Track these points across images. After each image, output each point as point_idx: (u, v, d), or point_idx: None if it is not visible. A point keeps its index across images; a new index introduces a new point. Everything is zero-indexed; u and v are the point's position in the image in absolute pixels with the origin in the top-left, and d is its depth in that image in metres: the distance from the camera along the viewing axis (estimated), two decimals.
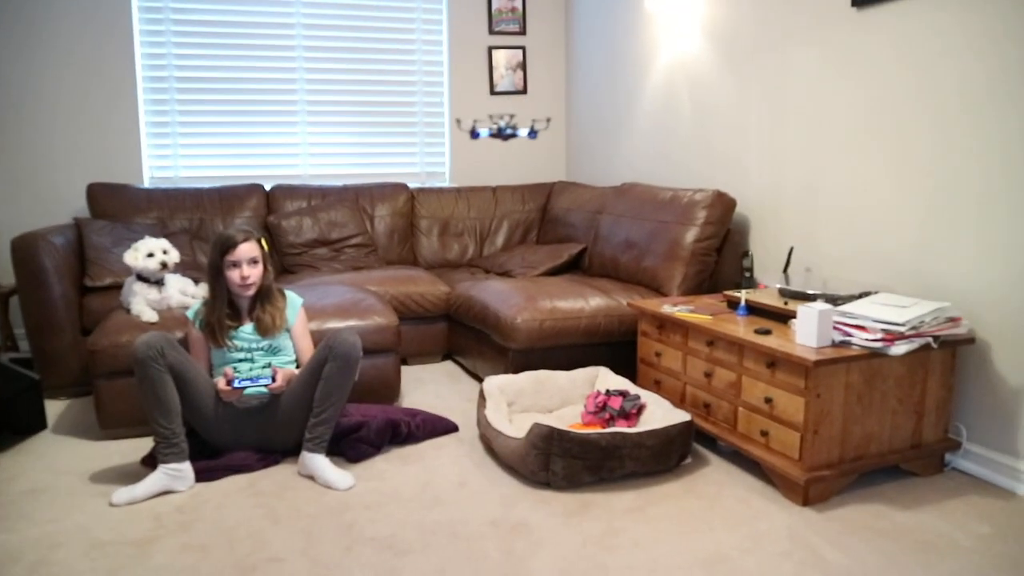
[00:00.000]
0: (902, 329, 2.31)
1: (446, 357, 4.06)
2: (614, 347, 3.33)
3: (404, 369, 3.85)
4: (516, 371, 3.19)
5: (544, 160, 5.24)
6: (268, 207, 4.35)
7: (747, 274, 3.29)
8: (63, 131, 4.23)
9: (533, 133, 3.23)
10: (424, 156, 5.04)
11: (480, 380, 3.63)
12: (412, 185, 4.85)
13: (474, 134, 3.18)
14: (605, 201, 4.17)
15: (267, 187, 4.45)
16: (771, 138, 3.37)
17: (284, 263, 4.24)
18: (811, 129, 3.14)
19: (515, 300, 3.28)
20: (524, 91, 5.18)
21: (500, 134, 3.23)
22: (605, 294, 3.39)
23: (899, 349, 2.31)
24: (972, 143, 2.48)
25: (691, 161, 3.94)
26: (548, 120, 3.31)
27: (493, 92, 5.10)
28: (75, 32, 4.20)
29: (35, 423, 2.88)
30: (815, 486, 2.33)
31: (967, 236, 2.52)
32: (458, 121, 3.23)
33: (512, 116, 3.22)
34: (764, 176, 3.43)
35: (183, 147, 4.49)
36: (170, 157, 4.47)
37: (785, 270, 3.17)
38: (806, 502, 2.33)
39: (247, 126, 4.60)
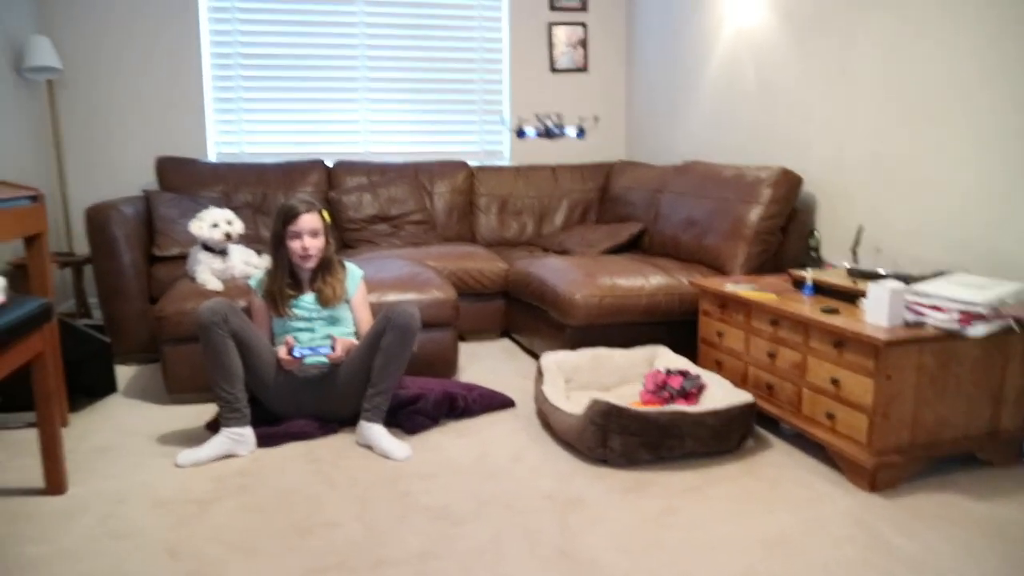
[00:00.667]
0: (981, 310, 2.20)
1: (503, 334, 4.05)
2: (674, 326, 3.27)
3: (461, 345, 3.85)
4: (573, 348, 3.15)
5: (604, 139, 5.16)
6: (329, 182, 4.40)
7: (813, 253, 3.19)
8: (134, 108, 4.35)
9: (581, 132, 3.17)
10: (483, 134, 5.02)
11: (537, 358, 3.60)
12: (471, 163, 4.84)
13: (520, 133, 3.15)
14: (666, 179, 4.09)
15: (329, 163, 4.49)
16: (837, 113, 3.24)
17: (344, 238, 4.28)
18: (881, 98, 3.01)
19: (574, 276, 3.24)
20: (585, 69, 5.11)
21: (548, 134, 3.20)
22: (665, 272, 3.33)
23: (977, 330, 2.20)
24: None
25: (754, 138, 3.83)
26: (596, 118, 3.26)
27: (553, 69, 5.05)
28: (145, 11, 4.29)
29: (106, 386, 2.97)
30: (883, 471, 2.24)
31: None
32: (502, 119, 3.22)
33: (559, 115, 3.18)
34: (830, 151, 3.31)
35: (247, 123, 4.56)
36: (235, 133, 4.55)
37: (854, 249, 3.05)
38: (873, 488, 2.25)
39: (309, 103, 4.65)
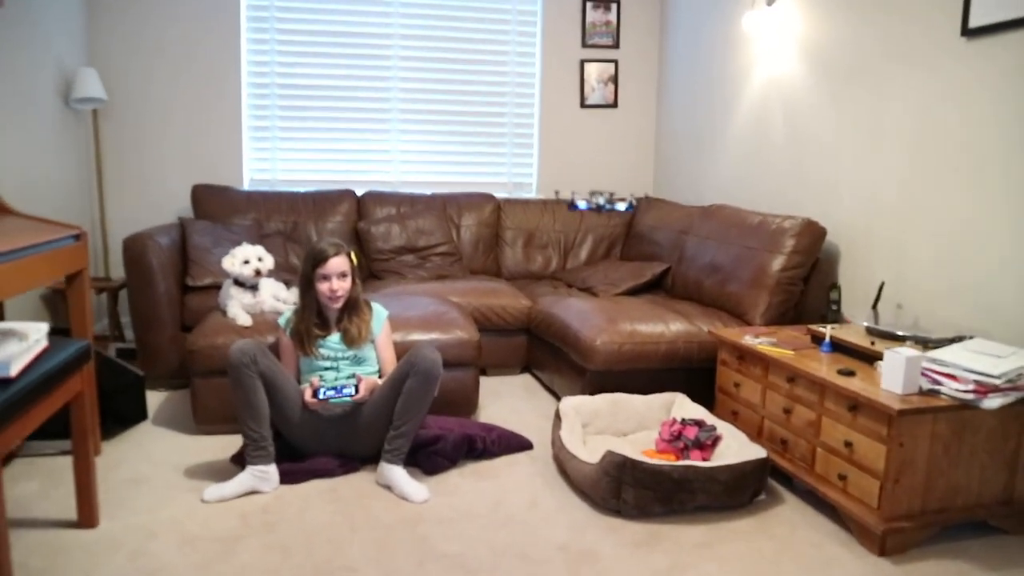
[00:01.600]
0: (997, 382, 2.22)
1: (524, 370, 4.11)
2: (693, 373, 3.31)
3: (482, 380, 3.91)
4: (593, 392, 3.21)
5: (632, 175, 5.23)
6: (359, 212, 4.50)
7: (834, 307, 3.22)
8: (173, 136, 4.48)
9: (631, 207, 3.33)
10: (512, 166, 5.10)
11: (557, 396, 3.67)
12: (499, 194, 4.93)
13: (572, 206, 3.30)
14: (692, 221, 4.13)
15: (359, 192, 4.59)
16: (866, 166, 3.28)
17: (372, 268, 4.38)
18: (909, 158, 3.04)
19: (595, 321, 3.29)
20: (615, 104, 5.19)
21: (599, 209, 3.35)
22: (686, 319, 3.37)
23: (992, 403, 2.22)
24: None
25: (781, 186, 3.87)
26: (646, 195, 3.40)
27: (584, 105, 5.13)
28: (186, 39, 4.43)
29: (137, 414, 3.08)
30: (893, 537, 2.27)
31: None
32: (556, 192, 3.39)
33: (612, 193, 3.34)
34: (857, 205, 3.34)
35: (281, 151, 4.68)
36: (269, 160, 4.67)
37: (875, 306, 3.08)
38: (883, 552, 2.27)
39: (342, 132, 4.76)
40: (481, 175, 5.06)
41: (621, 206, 3.33)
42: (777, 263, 3.36)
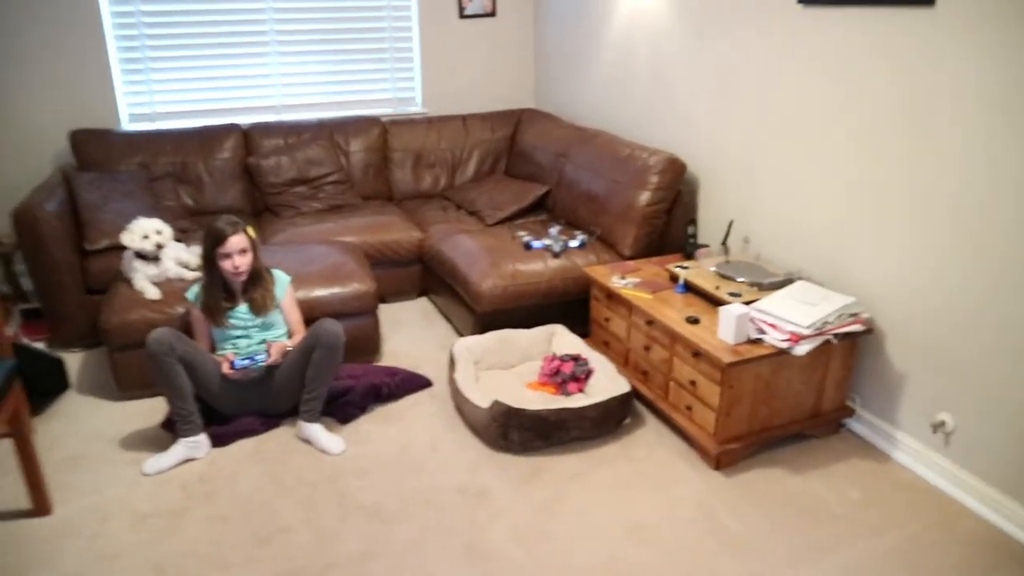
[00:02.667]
0: (805, 331, 2.74)
1: (421, 294, 4.45)
2: (571, 304, 3.74)
3: (382, 308, 4.25)
4: (483, 329, 3.61)
5: (513, 84, 5.40)
6: (246, 147, 4.54)
7: (691, 240, 3.66)
8: (36, 78, 4.26)
9: (583, 244, 3.66)
10: (395, 82, 5.16)
11: (451, 322, 4.05)
12: (385, 111, 5.03)
13: (527, 247, 3.59)
14: (569, 145, 4.42)
15: (244, 124, 4.61)
16: (718, 112, 3.62)
17: (266, 202, 4.50)
18: (753, 110, 3.40)
19: (481, 266, 3.63)
20: (493, 13, 5.25)
21: (555, 256, 3.65)
22: (564, 255, 3.75)
23: (801, 349, 2.75)
24: (884, 151, 2.79)
25: (647, 115, 4.18)
26: (597, 233, 3.72)
27: (462, 15, 5.17)
28: None
29: (60, 387, 3.27)
30: (725, 455, 2.84)
31: (874, 234, 2.89)
32: (513, 236, 3.67)
33: (565, 240, 3.67)
34: (711, 146, 3.71)
35: (157, 83, 4.58)
36: (145, 94, 4.57)
37: (724, 242, 3.54)
38: (718, 467, 2.85)
39: (220, 58, 4.67)
40: (365, 92, 5.11)
41: (574, 243, 3.70)
42: (643, 198, 3.74)
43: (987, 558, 2.41)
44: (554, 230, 3.96)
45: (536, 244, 3.82)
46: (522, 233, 3.93)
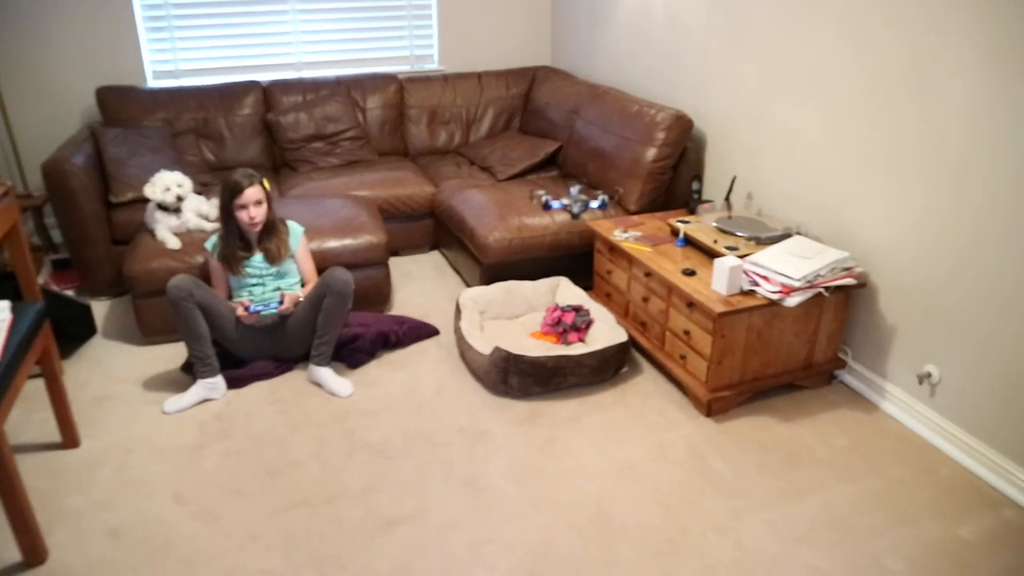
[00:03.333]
0: (797, 284, 2.82)
1: (433, 248, 4.57)
2: (575, 258, 3.84)
3: (395, 261, 4.39)
4: (489, 280, 3.73)
5: (530, 42, 5.44)
6: (266, 103, 4.66)
7: (696, 196, 3.73)
8: (64, 37, 4.41)
9: (604, 205, 3.66)
10: (413, 39, 5.23)
11: (461, 275, 4.18)
12: (402, 68, 5.11)
13: (547, 206, 3.62)
14: (581, 102, 4.48)
15: (264, 81, 4.72)
16: (729, 70, 3.66)
17: (284, 157, 4.64)
18: (763, 68, 3.43)
19: (488, 219, 3.73)
20: None
21: (573, 215, 3.68)
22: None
23: (792, 301, 2.82)
24: (885, 109, 2.83)
25: (662, 70, 4.21)
26: (619, 192, 3.72)
27: None
28: None
29: (88, 332, 3.47)
30: (717, 403, 2.95)
31: (872, 190, 2.94)
32: (532, 196, 3.69)
33: (586, 199, 3.66)
34: (721, 103, 3.75)
35: (181, 40, 4.70)
36: (169, 51, 4.70)
37: (727, 198, 3.60)
38: (709, 414, 2.97)
39: (241, 16, 4.77)
40: (383, 50, 5.19)
41: (595, 204, 3.71)
42: (649, 154, 3.80)
43: (963, 502, 2.51)
44: (575, 189, 3.94)
45: (555, 204, 3.83)
46: (541, 192, 3.95)
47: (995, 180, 2.44)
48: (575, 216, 3.76)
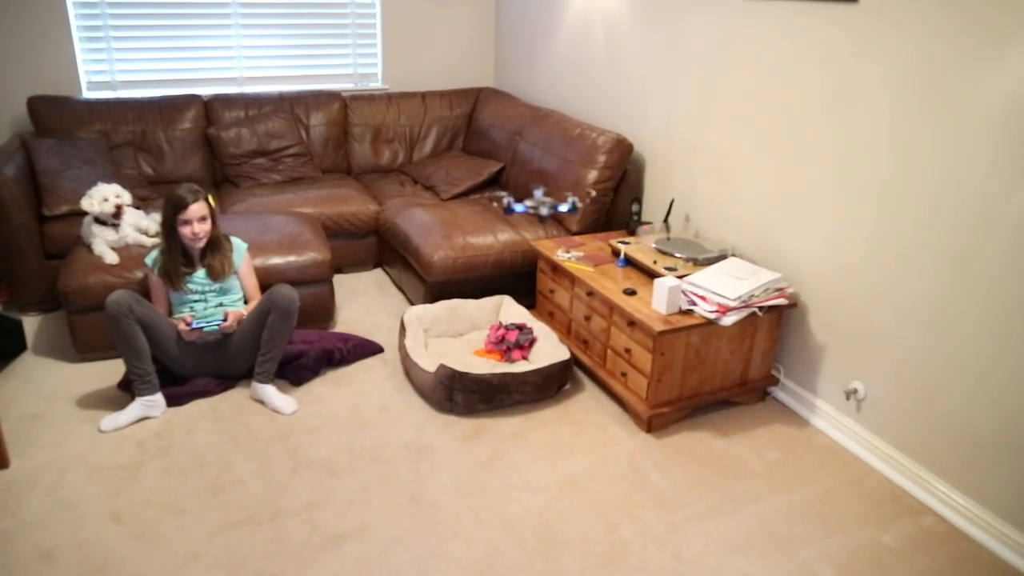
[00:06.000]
0: (732, 303, 2.94)
1: (377, 265, 4.58)
2: (519, 276, 3.90)
3: (339, 278, 4.38)
4: (433, 298, 3.76)
5: (473, 63, 5.52)
6: (207, 117, 4.61)
7: (635, 217, 3.84)
8: None
9: (574, 208, 3.61)
10: (357, 57, 5.25)
11: (405, 293, 4.19)
12: (346, 86, 5.13)
13: (508, 210, 3.56)
14: (524, 124, 4.57)
15: (205, 95, 4.67)
16: (666, 96, 3.80)
17: (226, 173, 4.58)
18: (698, 95, 3.58)
19: (433, 237, 3.77)
20: None
21: (541, 218, 3.63)
22: (513, 228, 3.91)
23: (728, 320, 2.94)
24: (812, 136, 2.99)
25: (602, 95, 4.34)
26: (590, 194, 3.70)
27: None
28: None
29: (18, 348, 3.36)
30: (657, 419, 3.04)
31: (801, 214, 3.10)
32: (490, 199, 3.60)
33: (553, 203, 3.57)
34: (659, 127, 3.89)
35: (118, 51, 4.61)
36: (106, 62, 4.61)
37: (666, 219, 3.73)
38: (649, 430, 3.05)
39: (182, 28, 4.72)
40: (327, 67, 5.19)
41: (564, 207, 3.59)
42: (591, 176, 3.90)
43: (887, 511, 2.65)
44: (539, 192, 3.71)
45: (519, 207, 3.61)
46: (503, 194, 3.76)
47: (919, 204, 2.61)
48: (543, 219, 3.75)
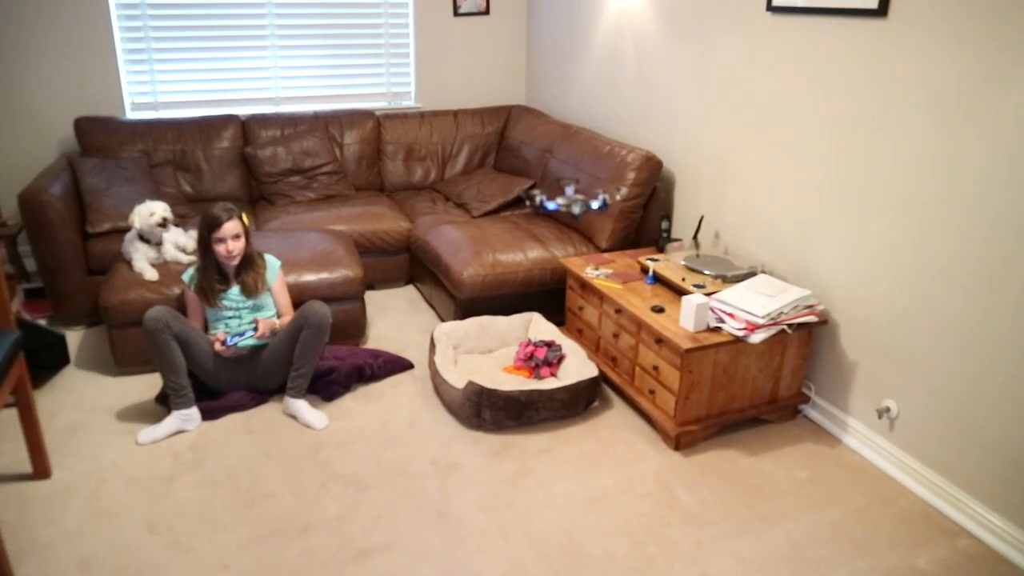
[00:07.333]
0: (761, 321, 2.92)
1: (408, 282, 4.63)
2: (548, 293, 3.92)
3: (371, 294, 4.44)
4: (463, 315, 3.79)
5: (505, 81, 5.58)
6: (244, 137, 4.72)
7: (664, 235, 3.84)
8: (43, 66, 4.46)
9: (605, 205, 3.62)
10: (390, 76, 5.34)
11: (436, 310, 4.24)
12: (379, 105, 5.22)
13: (541, 208, 3.59)
14: (554, 141, 4.60)
15: (242, 115, 4.79)
16: (696, 113, 3.80)
17: (261, 191, 4.69)
18: (727, 111, 3.57)
19: (463, 254, 3.81)
20: (487, 12, 5.42)
21: (573, 216, 3.63)
22: (542, 245, 3.93)
23: (756, 338, 2.93)
24: (844, 152, 2.97)
25: (632, 112, 4.36)
26: (620, 191, 3.71)
27: (457, 13, 5.35)
28: None
29: (61, 362, 3.46)
30: (685, 436, 3.03)
31: (833, 231, 3.07)
32: (524, 197, 3.60)
33: (586, 199, 3.58)
34: (689, 144, 3.89)
35: (160, 73, 4.76)
36: (148, 84, 4.75)
37: (695, 237, 3.72)
38: (677, 448, 3.04)
39: (221, 50, 4.85)
40: (361, 87, 5.29)
41: (595, 204, 3.58)
42: (620, 194, 3.92)
43: (920, 532, 2.60)
44: (569, 190, 3.71)
45: (551, 205, 3.63)
46: (536, 192, 3.78)
47: (952, 222, 2.58)
48: (576, 216, 3.74)
